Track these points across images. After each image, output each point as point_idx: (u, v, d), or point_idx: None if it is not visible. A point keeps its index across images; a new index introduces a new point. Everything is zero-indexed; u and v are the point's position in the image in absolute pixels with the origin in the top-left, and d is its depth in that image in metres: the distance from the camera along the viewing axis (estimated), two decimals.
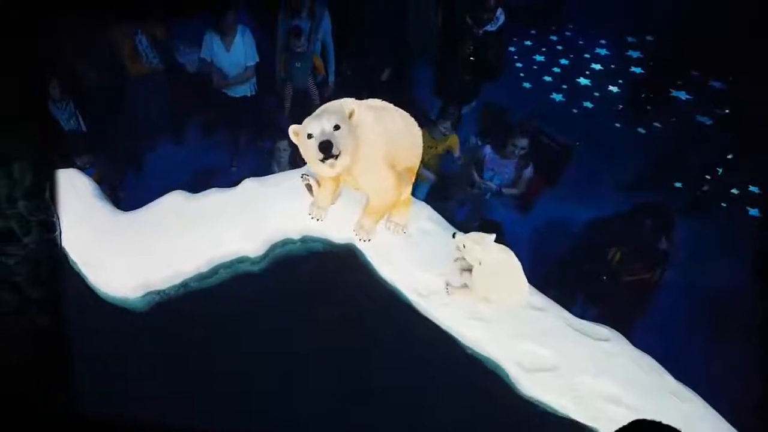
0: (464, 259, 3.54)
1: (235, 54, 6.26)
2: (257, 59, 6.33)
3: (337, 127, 3.17)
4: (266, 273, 3.85)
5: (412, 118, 3.63)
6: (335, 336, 3.67)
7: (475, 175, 5.98)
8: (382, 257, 3.75)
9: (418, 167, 3.73)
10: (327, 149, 3.12)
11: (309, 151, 3.22)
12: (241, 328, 3.66)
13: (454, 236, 3.53)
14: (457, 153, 6.22)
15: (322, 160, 3.16)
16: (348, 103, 3.28)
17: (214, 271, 3.82)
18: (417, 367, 3.62)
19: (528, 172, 5.89)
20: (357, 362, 3.65)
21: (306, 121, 3.22)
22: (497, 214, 5.87)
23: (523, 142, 5.81)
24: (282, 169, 5.47)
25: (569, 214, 5.63)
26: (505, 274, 3.52)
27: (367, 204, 3.67)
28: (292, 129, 3.28)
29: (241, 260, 3.84)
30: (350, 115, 3.22)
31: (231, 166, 6.61)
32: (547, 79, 6.81)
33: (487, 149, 5.99)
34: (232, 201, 3.92)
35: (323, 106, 3.29)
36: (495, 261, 3.49)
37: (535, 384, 3.46)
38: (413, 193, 3.82)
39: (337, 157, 3.16)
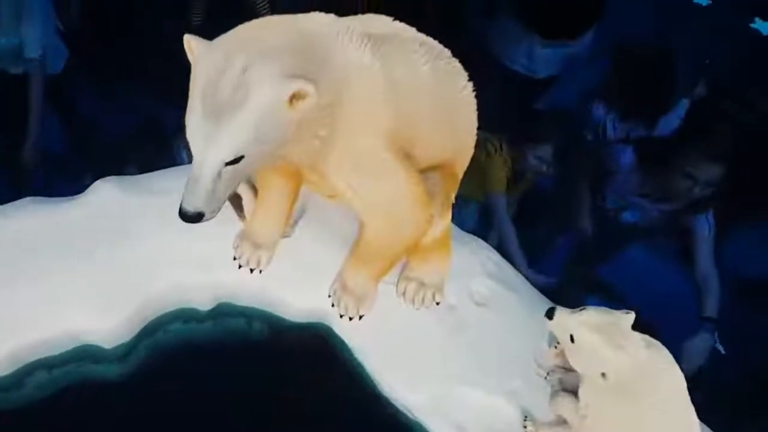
0: (567, 369, 1.77)
1: None
2: None
3: (236, 161, 1.34)
4: (135, 382, 1.90)
5: (462, 69, 1.73)
6: None
7: (585, 200, 3.37)
8: (385, 355, 1.86)
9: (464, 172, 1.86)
10: (192, 220, 1.38)
11: None
12: None
13: (550, 315, 1.67)
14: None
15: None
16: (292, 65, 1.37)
17: (21, 376, 1.82)
18: None
19: (701, 224, 3.09)
20: None
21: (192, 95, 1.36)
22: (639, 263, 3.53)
23: (714, 171, 2.97)
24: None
25: None
26: (657, 404, 1.65)
27: (357, 239, 1.81)
28: (189, 42, 1.37)
29: (83, 355, 1.85)
30: (295, 98, 1.33)
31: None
32: None
33: (628, 156, 3.27)
34: (69, 224, 1.93)
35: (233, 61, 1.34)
36: (638, 374, 1.62)
37: None
38: (458, 222, 1.86)
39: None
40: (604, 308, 1.65)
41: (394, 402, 1.83)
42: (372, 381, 1.85)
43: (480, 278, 1.92)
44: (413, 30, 1.64)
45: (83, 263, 1.88)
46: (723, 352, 2.94)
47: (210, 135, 1.31)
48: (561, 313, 1.65)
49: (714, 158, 2.87)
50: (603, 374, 1.60)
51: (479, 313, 1.89)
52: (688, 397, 1.67)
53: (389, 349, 1.85)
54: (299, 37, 1.41)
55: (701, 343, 2.80)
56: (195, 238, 1.84)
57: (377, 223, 1.68)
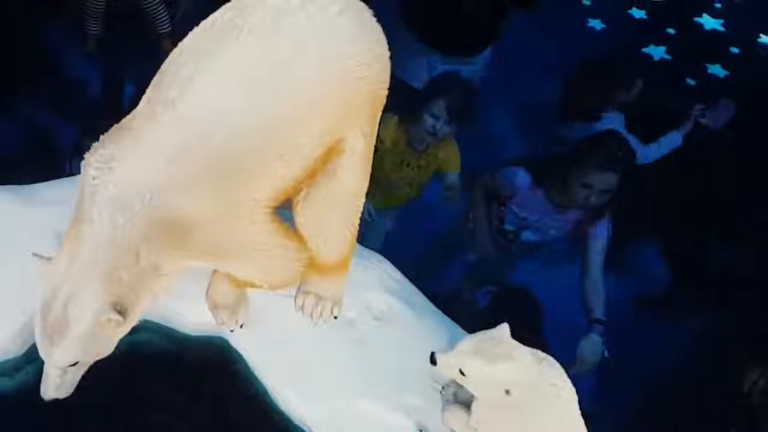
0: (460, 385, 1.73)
1: None
2: None
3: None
4: (24, 396, 1.80)
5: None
6: None
7: (483, 226, 3.41)
8: (282, 368, 1.84)
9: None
10: None
11: None
12: None
13: (433, 362, 1.68)
14: (453, 178, 3.41)
15: None
16: None
17: None
18: None
19: (599, 231, 3.19)
20: None
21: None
22: (525, 275, 3.57)
23: (608, 180, 3.07)
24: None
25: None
26: (544, 420, 1.70)
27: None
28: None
29: None
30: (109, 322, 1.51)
31: None
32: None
33: (522, 177, 3.27)
34: None
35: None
36: (532, 389, 1.66)
37: None
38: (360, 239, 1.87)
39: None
40: (477, 333, 1.67)
41: (290, 416, 1.81)
42: (269, 395, 1.83)
43: (379, 293, 1.92)
44: None
45: None
46: (607, 355, 3.00)
47: (47, 350, 1.50)
48: (441, 355, 1.66)
49: (607, 168, 2.99)
50: (507, 391, 1.62)
51: (377, 327, 1.89)
52: (578, 411, 1.71)
53: (286, 362, 1.83)
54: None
55: (592, 344, 2.89)
56: None
57: (252, 276, 1.72)
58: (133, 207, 1.41)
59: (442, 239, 3.68)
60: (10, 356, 1.81)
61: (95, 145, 1.47)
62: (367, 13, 1.57)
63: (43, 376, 1.53)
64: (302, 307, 1.85)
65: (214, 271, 1.80)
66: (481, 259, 3.40)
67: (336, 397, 1.81)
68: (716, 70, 4.70)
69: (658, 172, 3.76)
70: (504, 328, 1.66)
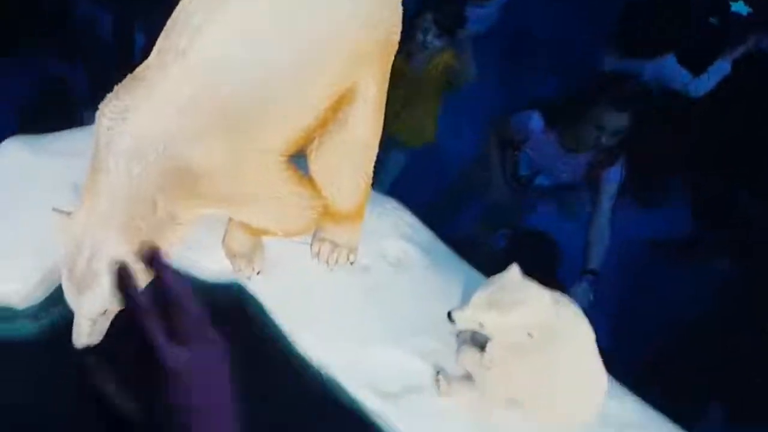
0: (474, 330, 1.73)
1: None
2: None
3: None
4: (48, 341, 1.87)
5: None
6: None
7: (498, 171, 3.36)
8: (299, 315, 1.85)
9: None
10: None
11: None
12: None
13: (451, 319, 1.66)
14: (467, 76, 3.40)
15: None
16: None
17: None
18: None
19: (612, 175, 3.13)
20: None
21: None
22: (541, 218, 3.50)
23: (620, 120, 2.98)
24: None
25: None
26: (561, 359, 1.70)
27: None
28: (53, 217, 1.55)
29: None
30: None
31: None
32: None
33: (535, 121, 3.20)
34: None
35: None
36: (550, 329, 1.65)
37: None
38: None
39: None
40: (489, 280, 1.67)
41: (308, 361, 1.83)
42: (286, 340, 1.85)
43: (394, 239, 1.93)
44: None
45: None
46: (591, 299, 2.96)
47: (75, 302, 1.53)
48: (457, 312, 1.66)
49: (619, 108, 2.94)
50: (526, 335, 1.63)
51: (393, 273, 1.90)
52: (596, 349, 1.72)
53: (303, 308, 1.86)
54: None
55: (579, 295, 2.88)
56: None
57: (267, 224, 1.74)
58: (147, 157, 1.42)
59: (456, 184, 3.67)
60: (33, 302, 1.86)
61: (109, 95, 1.48)
62: None
63: (74, 325, 1.56)
64: (318, 254, 1.86)
65: (230, 220, 1.82)
66: (495, 203, 3.39)
67: (352, 342, 1.83)
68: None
69: (699, 108, 3.70)
70: (514, 270, 1.65)
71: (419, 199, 2.94)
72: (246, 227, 1.77)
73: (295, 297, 1.85)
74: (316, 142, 1.65)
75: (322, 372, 1.82)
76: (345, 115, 1.62)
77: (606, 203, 3.04)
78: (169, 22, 1.48)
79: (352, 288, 1.87)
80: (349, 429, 1.80)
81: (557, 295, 1.71)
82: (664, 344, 3.26)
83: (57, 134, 2.04)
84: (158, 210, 1.47)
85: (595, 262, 2.97)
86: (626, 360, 2.53)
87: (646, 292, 3.37)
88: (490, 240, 3.34)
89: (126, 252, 1.44)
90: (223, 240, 1.85)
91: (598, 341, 1.72)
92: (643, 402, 1.88)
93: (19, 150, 1.97)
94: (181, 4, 1.48)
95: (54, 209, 1.51)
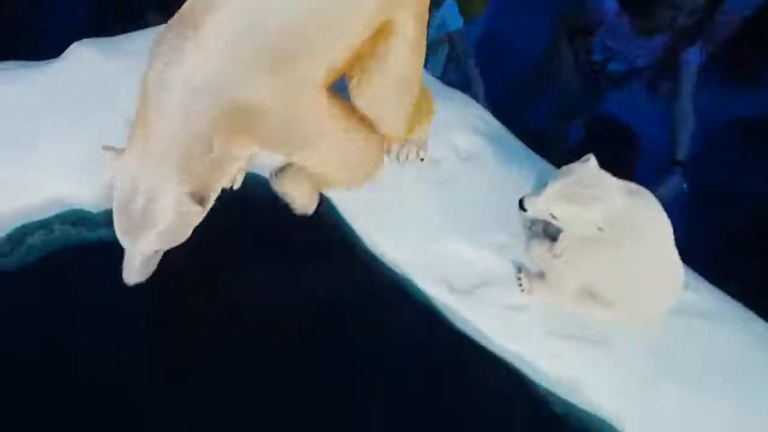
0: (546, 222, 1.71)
1: None
2: None
3: None
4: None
5: None
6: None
7: (569, 59, 3.23)
8: (371, 212, 1.85)
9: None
10: None
11: None
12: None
13: (523, 208, 1.62)
14: None
15: None
16: None
17: (14, 238, 1.84)
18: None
19: (692, 57, 2.99)
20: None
21: None
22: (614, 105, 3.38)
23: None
24: None
25: None
26: (636, 251, 1.65)
27: None
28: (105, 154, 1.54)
29: (71, 218, 1.86)
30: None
31: None
32: None
33: (609, 3, 3.12)
34: (53, 88, 1.91)
35: None
36: (625, 221, 1.60)
37: None
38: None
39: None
40: (563, 169, 1.61)
41: (381, 259, 1.83)
42: (358, 237, 1.86)
43: (464, 133, 1.89)
44: None
45: (69, 128, 1.86)
46: (686, 188, 2.88)
47: (128, 241, 1.54)
48: (530, 200, 1.62)
49: None
50: (599, 228, 1.59)
51: (464, 167, 1.87)
52: (673, 241, 1.67)
53: (375, 205, 1.85)
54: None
55: (670, 187, 2.80)
56: None
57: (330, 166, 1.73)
58: (201, 96, 1.41)
59: (526, 74, 3.54)
60: (108, 207, 1.85)
61: (159, 33, 1.46)
62: None
63: (125, 263, 1.59)
64: (388, 150, 1.84)
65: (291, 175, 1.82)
66: (568, 92, 3.27)
67: (425, 237, 1.81)
68: None
69: None
70: (591, 161, 1.59)
71: (488, 91, 2.88)
72: (311, 178, 1.77)
73: (366, 193, 1.83)
74: (355, 80, 1.64)
75: (396, 270, 1.83)
76: (385, 51, 1.60)
77: (688, 87, 2.90)
78: None
79: (424, 183, 1.85)
80: (424, 326, 1.80)
81: (634, 187, 1.66)
82: (746, 233, 3.16)
83: (126, 36, 2.01)
84: (214, 149, 1.46)
85: (682, 151, 2.86)
86: (705, 249, 2.48)
87: (733, 178, 3.25)
88: (565, 130, 3.25)
89: (182, 194, 1.47)
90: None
91: (676, 231, 1.68)
92: (720, 291, 1.83)
93: (88, 53, 1.96)
94: None
95: (104, 147, 1.51)
